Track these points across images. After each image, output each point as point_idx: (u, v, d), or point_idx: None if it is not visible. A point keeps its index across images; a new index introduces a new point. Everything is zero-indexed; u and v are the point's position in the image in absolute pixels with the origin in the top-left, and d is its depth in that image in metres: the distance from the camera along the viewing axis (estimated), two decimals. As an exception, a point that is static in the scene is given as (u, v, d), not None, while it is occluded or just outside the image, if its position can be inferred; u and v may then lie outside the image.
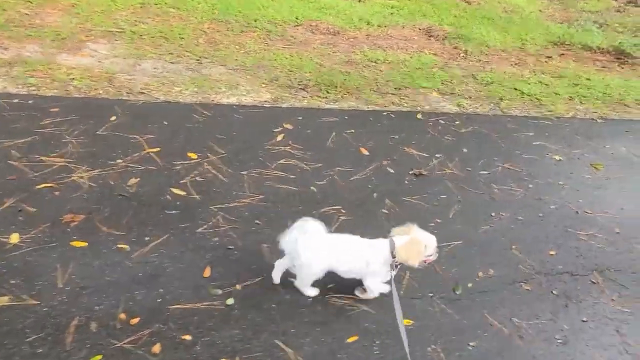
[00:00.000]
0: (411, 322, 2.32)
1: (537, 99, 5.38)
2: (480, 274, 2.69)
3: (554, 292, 2.65)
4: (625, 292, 2.72)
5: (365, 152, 3.71)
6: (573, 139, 4.46)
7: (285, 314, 2.26)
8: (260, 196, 3.02)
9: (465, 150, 3.97)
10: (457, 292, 2.55)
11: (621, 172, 3.98)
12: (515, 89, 5.54)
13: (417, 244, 2.14)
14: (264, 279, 2.42)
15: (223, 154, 3.38)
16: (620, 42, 7.53)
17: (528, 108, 5.13)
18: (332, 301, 2.36)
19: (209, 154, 3.34)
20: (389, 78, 5.32)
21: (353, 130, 3.98)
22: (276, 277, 2.36)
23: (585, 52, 7.43)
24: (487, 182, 3.57)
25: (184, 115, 3.80)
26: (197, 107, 3.95)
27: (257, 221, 2.80)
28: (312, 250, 2.12)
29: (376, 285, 2.27)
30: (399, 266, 2.18)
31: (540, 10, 10.02)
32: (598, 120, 5.01)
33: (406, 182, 3.43)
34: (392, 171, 3.52)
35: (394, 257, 2.11)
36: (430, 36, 7.25)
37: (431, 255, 2.22)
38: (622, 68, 7.04)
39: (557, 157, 4.07)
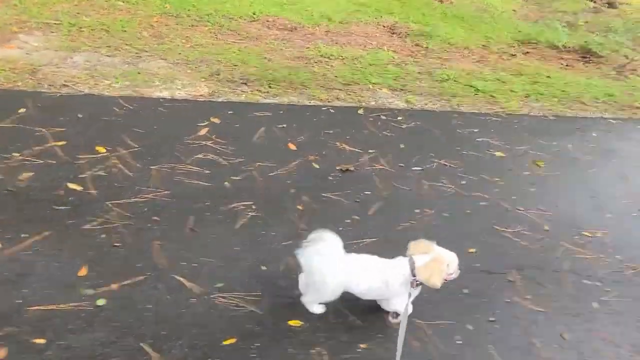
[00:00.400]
0: (300, 323, 2.20)
1: (491, 95, 5.33)
2: (389, 272, 2.59)
3: (464, 291, 2.54)
4: (542, 292, 2.63)
5: (293, 148, 3.60)
6: (520, 135, 4.40)
7: (161, 315, 2.13)
8: (166, 192, 2.89)
9: (402, 146, 3.88)
10: (359, 292, 2.44)
11: (562, 169, 3.91)
12: (471, 86, 5.49)
13: (439, 262, 2.06)
14: (146, 278, 2.30)
15: (136, 147, 3.25)
16: (586, 41, 7.55)
17: (480, 105, 5.07)
18: (218, 301, 2.24)
19: (119, 148, 3.22)
20: (339, 74, 5.24)
21: (285, 125, 3.88)
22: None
23: (551, 50, 7.43)
24: (418, 178, 3.48)
25: (104, 108, 3.67)
26: (120, 100, 3.83)
27: (155, 217, 2.68)
28: (328, 269, 2.04)
29: (402, 303, 2.15)
30: (420, 285, 2.10)
31: (514, 10, 10.06)
32: (550, 118, 4.96)
33: (330, 178, 3.32)
34: (317, 167, 3.42)
35: (414, 276, 2.05)
36: (393, 33, 7.21)
37: (453, 273, 2.15)
38: (587, 67, 7.04)
39: (498, 154, 4.00)
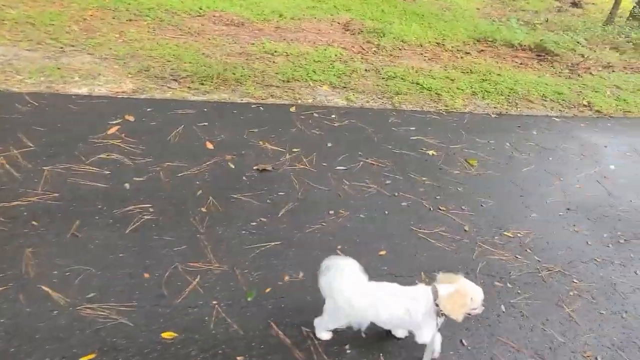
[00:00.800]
0: (174, 335, 2.07)
1: (437, 93, 5.29)
2: (287, 277, 2.48)
3: (365, 297, 2.45)
4: (448, 295, 2.55)
5: (210, 147, 3.47)
6: (457, 134, 4.36)
7: (16, 329, 1.97)
8: (55, 194, 2.73)
9: (329, 144, 3.78)
10: (249, 299, 2.32)
11: (495, 168, 3.88)
12: (418, 84, 5.45)
13: (462, 295, 1.96)
14: (7, 289, 2.13)
15: (31, 147, 3.07)
16: (542, 39, 7.63)
17: (423, 103, 5.02)
18: (85, 312, 2.09)
19: (12, 148, 3.03)
20: (280, 70, 5.13)
21: (207, 124, 3.74)
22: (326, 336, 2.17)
23: (507, 48, 7.48)
24: (340, 178, 3.39)
25: (5, 105, 3.47)
26: (27, 96, 3.64)
27: (34, 222, 2.51)
28: (353, 291, 1.95)
29: (429, 333, 2.06)
30: (444, 315, 2.00)
31: (477, 8, 10.15)
32: (492, 116, 4.95)
33: (244, 178, 3.20)
34: (233, 167, 3.29)
35: (436, 305, 1.97)
36: (346, 30, 7.15)
37: (476, 308, 2.04)
38: (541, 65, 7.10)
39: (431, 153, 3.94)
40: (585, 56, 7.64)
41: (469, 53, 6.99)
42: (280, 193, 3.11)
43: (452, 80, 5.74)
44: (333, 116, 4.25)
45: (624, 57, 8.07)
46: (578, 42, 8.07)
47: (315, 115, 4.22)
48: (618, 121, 5.40)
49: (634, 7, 9.99)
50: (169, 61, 4.87)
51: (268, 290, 2.38)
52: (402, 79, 5.53)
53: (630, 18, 9.84)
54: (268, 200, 3.02)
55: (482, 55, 6.99)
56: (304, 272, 2.52)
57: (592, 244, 3.17)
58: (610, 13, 9.79)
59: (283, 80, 4.94)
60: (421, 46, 6.91)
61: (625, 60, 7.93)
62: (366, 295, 1.96)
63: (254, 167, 3.31)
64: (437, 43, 7.14)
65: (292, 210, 2.97)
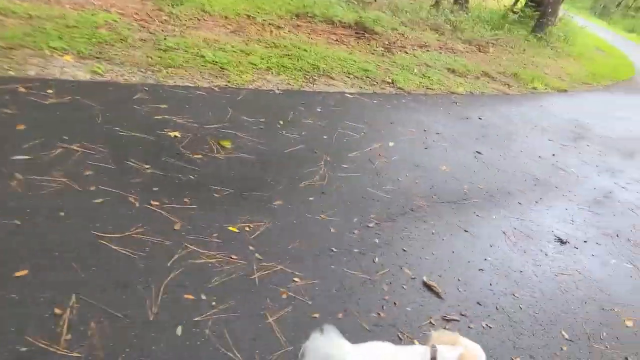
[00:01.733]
0: None
1: (221, 68, 4.72)
2: None
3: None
4: (102, 323, 1.93)
5: None
6: (222, 112, 3.82)
7: None
8: None
9: (23, 127, 2.92)
10: None
11: (252, 150, 3.41)
12: (202, 57, 4.82)
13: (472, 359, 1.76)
14: None
15: None
16: (361, 17, 7.63)
17: (199, 77, 4.41)
18: None
19: None
20: (5, 35, 4.04)
21: None
22: None
23: (327, 25, 7.30)
24: (12, 171, 2.55)
25: None
26: None
27: None
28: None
29: None
30: None
31: (313, -14, 9.94)
32: (276, 92, 4.55)
33: None
34: None
35: None
36: (139, -4, 6.23)
37: None
38: (358, 42, 7.05)
39: (173, 134, 3.33)
40: (405, 35, 7.86)
41: (281, 27, 6.61)
42: None
43: (247, 54, 5.24)
44: (50, 91, 3.37)
45: (442, 38, 8.53)
46: (398, 22, 8.31)
47: (22, 90, 3.29)
48: (415, 98, 5.47)
49: (458, -8, 10.81)
50: None
51: None
52: (184, 51, 4.85)
53: (454, 3, 10.60)
54: None
55: (296, 31, 6.66)
56: None
57: (335, 231, 2.87)
58: (437, -3, 10.42)
59: (2, 47, 3.88)
60: (226, 18, 6.31)
61: (442, 41, 8.38)
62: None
63: None
64: (247, 15, 6.62)
65: None
